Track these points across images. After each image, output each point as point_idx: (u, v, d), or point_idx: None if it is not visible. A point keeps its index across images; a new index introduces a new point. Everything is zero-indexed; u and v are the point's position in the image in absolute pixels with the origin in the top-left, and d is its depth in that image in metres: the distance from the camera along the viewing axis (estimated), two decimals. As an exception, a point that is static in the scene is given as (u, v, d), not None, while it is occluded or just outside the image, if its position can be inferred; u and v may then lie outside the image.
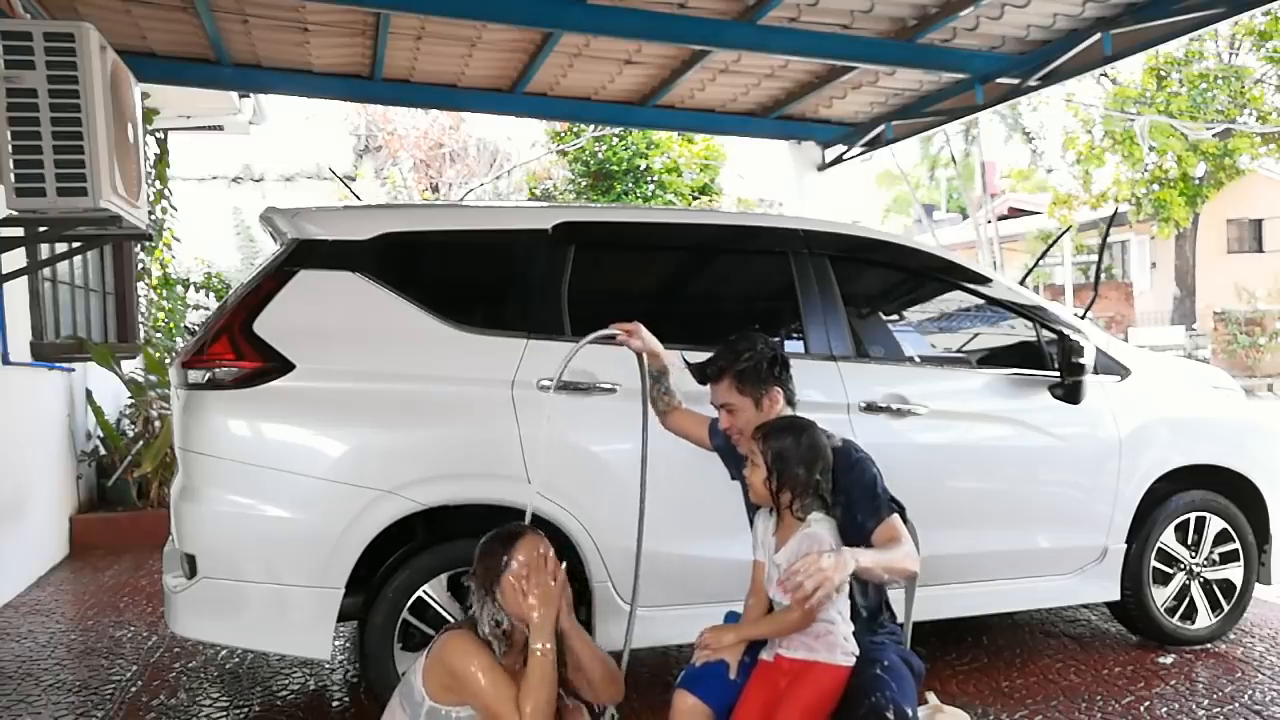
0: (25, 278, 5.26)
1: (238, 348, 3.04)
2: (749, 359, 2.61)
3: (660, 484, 2.91)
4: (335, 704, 3.67)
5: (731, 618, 2.59)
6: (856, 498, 2.44)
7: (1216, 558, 4.13)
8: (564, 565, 2.31)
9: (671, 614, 3.22)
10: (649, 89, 7.93)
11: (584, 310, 3.37)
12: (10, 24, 3.94)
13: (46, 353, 5.76)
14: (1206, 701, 3.56)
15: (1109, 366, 3.95)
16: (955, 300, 4.05)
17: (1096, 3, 6.00)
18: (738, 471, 2.69)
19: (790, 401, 2.68)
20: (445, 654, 2.27)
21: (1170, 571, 4.08)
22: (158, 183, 8.33)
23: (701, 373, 2.69)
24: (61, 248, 4.76)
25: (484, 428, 3.17)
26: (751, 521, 2.60)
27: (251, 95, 8.59)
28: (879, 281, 4.05)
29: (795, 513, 2.39)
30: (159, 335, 8.27)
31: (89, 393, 6.58)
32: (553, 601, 2.24)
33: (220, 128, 9.37)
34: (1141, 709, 3.50)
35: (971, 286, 3.94)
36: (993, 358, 4.06)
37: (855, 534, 2.40)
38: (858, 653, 2.38)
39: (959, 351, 4.23)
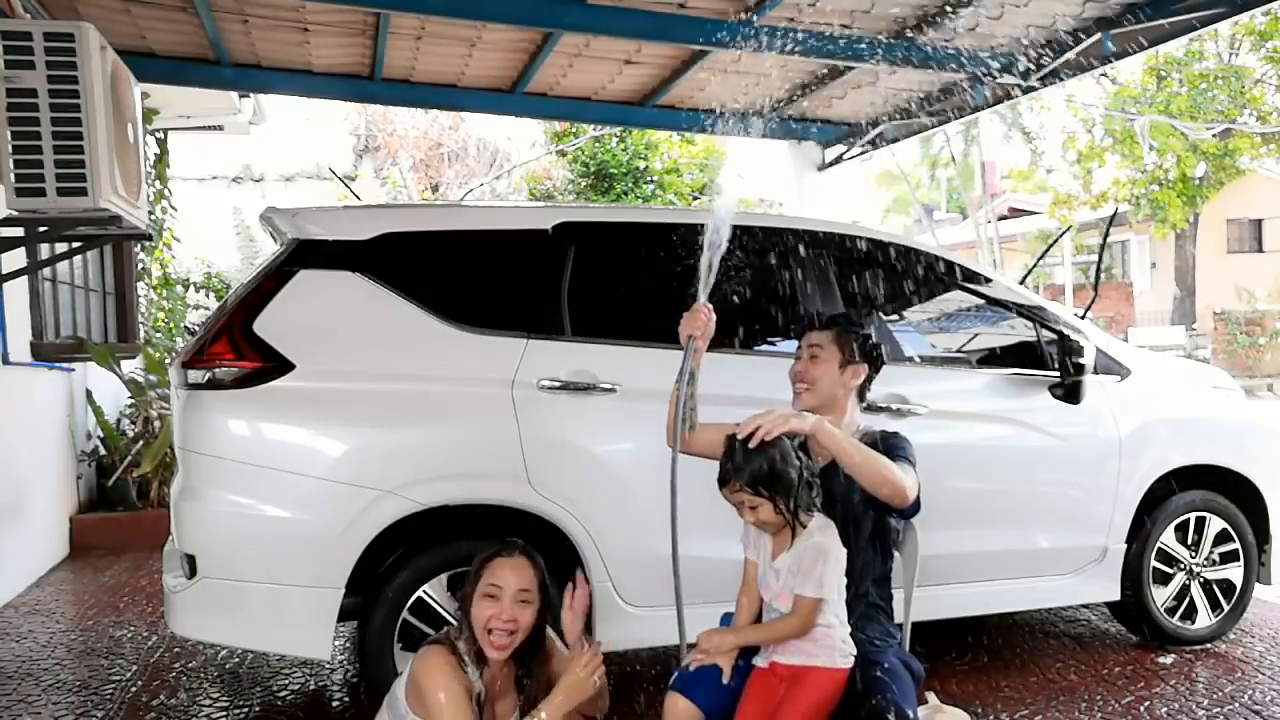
0: (25, 278, 5.26)
1: (238, 348, 3.04)
2: (865, 332, 2.76)
3: (658, 484, 2.90)
4: (335, 704, 3.67)
5: (728, 619, 2.59)
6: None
7: (1216, 558, 4.14)
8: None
9: (671, 613, 3.22)
10: (649, 89, 7.93)
11: (584, 310, 3.38)
12: (10, 24, 3.94)
13: (46, 353, 5.76)
14: (1206, 701, 3.56)
15: (1109, 366, 3.95)
16: (955, 300, 4.05)
17: (1096, 3, 6.00)
18: None
19: (862, 397, 2.78)
20: (416, 668, 2.29)
21: (1170, 571, 4.08)
22: (158, 183, 8.34)
23: (814, 318, 2.80)
24: (61, 248, 4.76)
25: (484, 428, 3.17)
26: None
27: (251, 95, 8.58)
28: (879, 281, 4.04)
29: (800, 520, 2.38)
30: (159, 335, 8.27)
31: (89, 393, 6.58)
32: (583, 694, 2.28)
33: (220, 128, 9.37)
34: (1141, 709, 3.50)
35: (971, 286, 3.94)
36: (993, 358, 4.06)
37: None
38: (855, 653, 2.38)
39: (959, 351, 4.23)
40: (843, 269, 3.72)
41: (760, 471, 2.33)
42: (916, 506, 2.52)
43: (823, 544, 2.35)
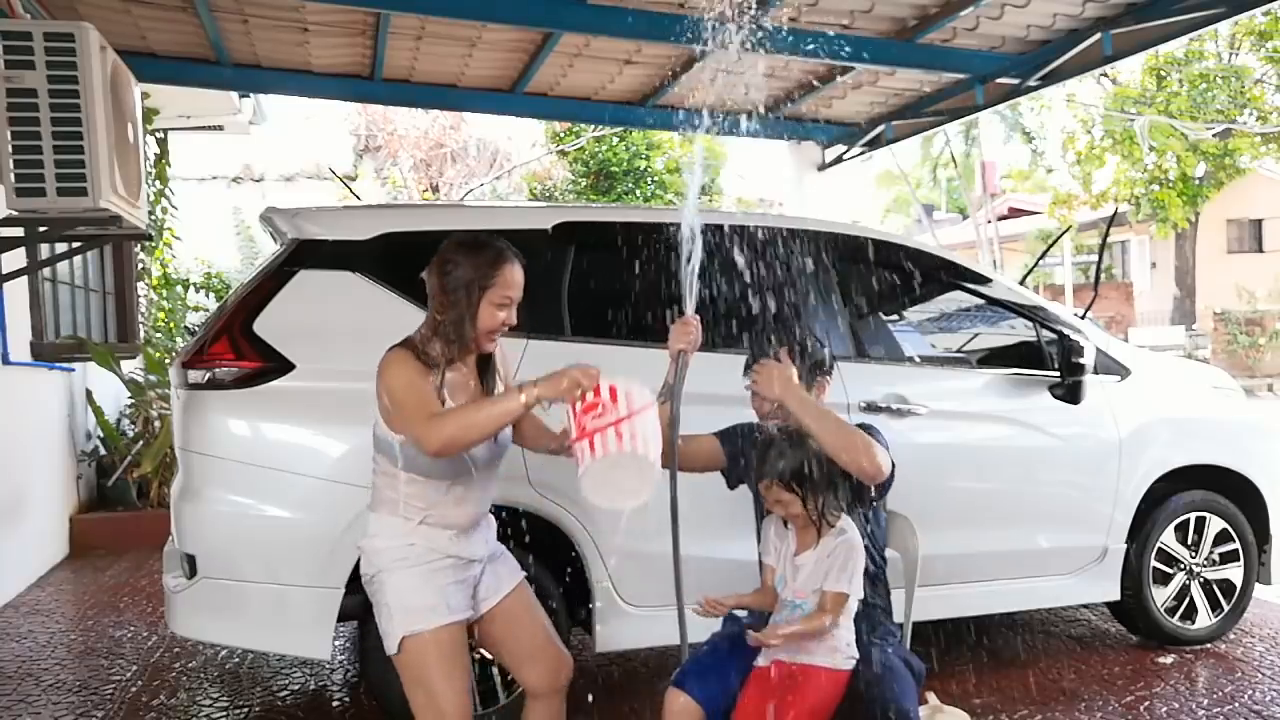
0: (25, 278, 5.26)
1: (238, 348, 3.04)
2: (809, 351, 2.65)
3: (659, 486, 2.90)
4: (335, 704, 3.67)
5: (730, 620, 2.60)
6: None
7: (1216, 558, 4.14)
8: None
9: (671, 613, 3.22)
10: (649, 89, 7.93)
11: (584, 310, 3.38)
12: (10, 24, 3.95)
13: (46, 353, 5.76)
14: (1206, 701, 3.56)
15: (1109, 366, 3.95)
16: (955, 300, 4.05)
17: (1096, 3, 6.00)
18: (740, 479, 2.69)
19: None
20: (381, 367, 2.22)
21: (1170, 571, 4.08)
22: (158, 183, 8.34)
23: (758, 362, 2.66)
24: (61, 248, 4.76)
25: (484, 428, 3.16)
26: (759, 526, 2.60)
27: (251, 95, 8.59)
28: (879, 281, 4.04)
29: (828, 518, 2.39)
30: (159, 335, 8.27)
31: (89, 393, 6.58)
32: (572, 390, 2.18)
33: (220, 128, 9.38)
34: (1141, 709, 3.50)
35: (971, 286, 3.94)
36: (993, 358, 4.06)
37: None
38: (856, 655, 2.38)
39: (959, 351, 4.23)
40: (842, 269, 3.72)
41: (793, 470, 2.37)
42: (887, 485, 2.50)
43: (853, 540, 2.37)
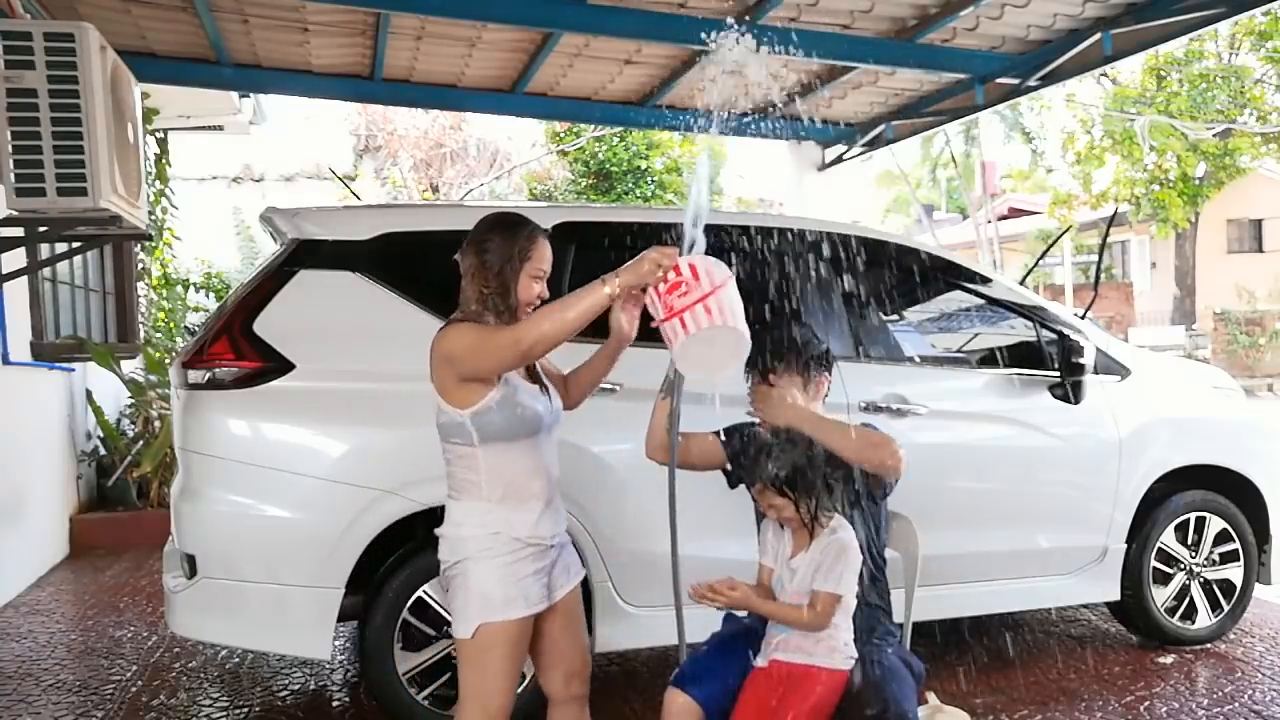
0: (25, 278, 5.26)
1: (238, 348, 3.04)
2: (806, 347, 2.62)
3: (657, 484, 2.89)
4: (335, 704, 3.67)
5: (730, 619, 2.60)
6: None
7: (1216, 558, 4.14)
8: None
9: (671, 613, 3.22)
10: (649, 89, 7.93)
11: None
12: (10, 24, 3.95)
13: (46, 353, 5.76)
14: (1206, 701, 3.56)
15: (1109, 366, 3.95)
16: (955, 300, 4.05)
17: (1096, 3, 6.00)
18: (740, 479, 2.69)
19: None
20: (439, 339, 2.28)
21: (1170, 571, 4.08)
22: (158, 183, 8.34)
23: (759, 360, 2.62)
24: (61, 248, 4.76)
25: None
26: (759, 526, 2.60)
27: (251, 95, 8.59)
28: (879, 281, 4.04)
29: (820, 520, 2.38)
30: (159, 335, 8.27)
31: (89, 393, 6.58)
32: (653, 273, 2.21)
33: (220, 128, 9.38)
34: (1141, 709, 3.50)
35: (971, 286, 3.95)
36: (993, 358, 4.06)
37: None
38: (855, 656, 2.38)
39: (959, 351, 4.23)
40: (842, 269, 3.72)
41: (785, 474, 2.36)
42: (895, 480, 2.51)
43: (844, 540, 2.36)
